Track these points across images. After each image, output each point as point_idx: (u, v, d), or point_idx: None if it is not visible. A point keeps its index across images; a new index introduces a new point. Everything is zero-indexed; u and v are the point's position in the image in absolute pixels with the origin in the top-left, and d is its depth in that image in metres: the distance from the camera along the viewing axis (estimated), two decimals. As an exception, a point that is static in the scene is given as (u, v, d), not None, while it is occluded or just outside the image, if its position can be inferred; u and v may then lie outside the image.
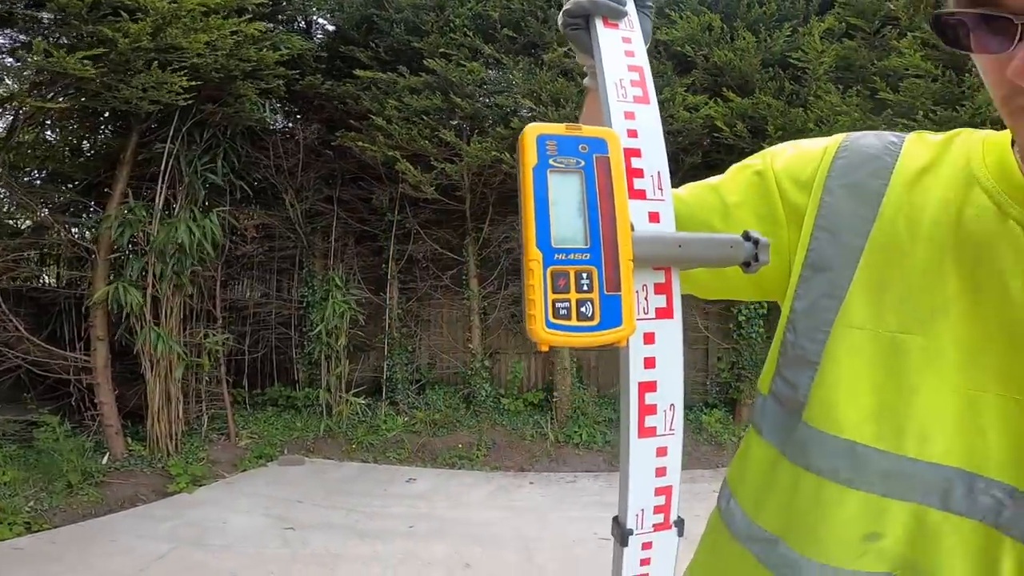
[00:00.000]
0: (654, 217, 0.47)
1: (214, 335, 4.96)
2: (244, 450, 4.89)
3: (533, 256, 0.38)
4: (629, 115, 0.50)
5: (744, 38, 4.00)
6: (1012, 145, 0.54)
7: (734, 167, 0.69)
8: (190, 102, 3.99)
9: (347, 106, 4.83)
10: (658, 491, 0.45)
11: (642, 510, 0.45)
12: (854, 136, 0.62)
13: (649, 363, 0.45)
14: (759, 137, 4.12)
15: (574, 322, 0.38)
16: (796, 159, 0.64)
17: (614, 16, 0.55)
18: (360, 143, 4.73)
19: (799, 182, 0.62)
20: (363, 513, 3.89)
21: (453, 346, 5.96)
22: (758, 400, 0.67)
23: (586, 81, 0.72)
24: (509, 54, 4.37)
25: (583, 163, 0.40)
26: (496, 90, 4.46)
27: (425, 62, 4.41)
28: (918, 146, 0.59)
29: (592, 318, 0.38)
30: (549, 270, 0.38)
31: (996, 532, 0.49)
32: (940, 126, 3.67)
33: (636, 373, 0.44)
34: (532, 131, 0.40)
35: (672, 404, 0.45)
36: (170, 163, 4.46)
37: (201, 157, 4.62)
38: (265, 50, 4.24)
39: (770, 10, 4.27)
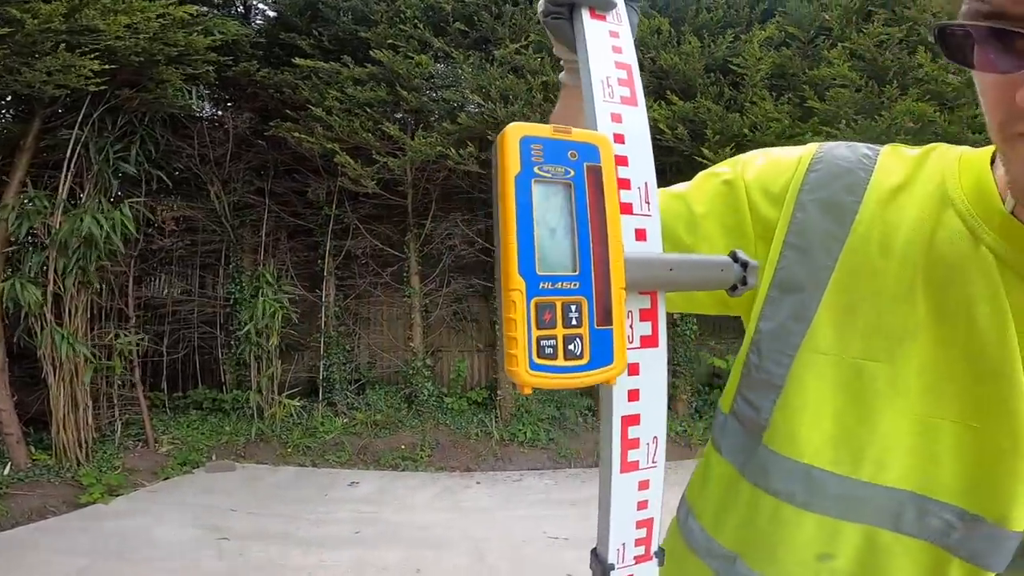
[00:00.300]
0: (640, 235, 0.43)
1: (126, 335, 4.59)
2: (166, 457, 4.56)
3: (515, 285, 0.32)
4: (616, 117, 0.45)
5: (690, 42, 4.14)
6: (991, 165, 0.53)
7: (702, 175, 0.65)
8: (102, 87, 3.67)
9: (284, 95, 4.59)
10: (639, 524, 0.43)
11: (623, 544, 0.42)
12: (827, 147, 0.60)
13: (633, 395, 0.42)
14: (698, 140, 4.27)
15: (561, 361, 0.33)
16: (768, 169, 0.61)
17: (602, 7, 0.50)
18: (296, 134, 4.52)
19: (770, 195, 0.59)
20: (305, 520, 3.72)
21: (394, 344, 5.82)
22: (719, 418, 0.67)
23: (562, 76, 0.67)
24: (460, 48, 4.30)
25: (572, 173, 0.35)
26: (444, 84, 4.38)
27: (372, 53, 4.27)
28: (893, 160, 0.57)
29: (581, 356, 0.34)
30: (533, 301, 0.32)
31: (945, 553, 0.52)
32: (860, 135, 3.94)
33: (619, 407, 0.41)
34: (515, 132, 0.34)
35: (655, 436, 0.43)
36: (77, 150, 4.09)
37: (114, 145, 4.26)
38: (195, 34, 3.96)
39: (716, 16, 4.44)
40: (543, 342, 0.33)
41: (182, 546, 3.31)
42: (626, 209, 0.42)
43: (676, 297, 0.63)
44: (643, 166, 0.45)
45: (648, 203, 0.44)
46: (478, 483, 4.53)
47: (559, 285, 0.33)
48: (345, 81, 4.37)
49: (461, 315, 5.90)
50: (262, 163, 5.31)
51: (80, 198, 4.22)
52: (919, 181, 0.55)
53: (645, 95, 0.49)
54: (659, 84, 4.30)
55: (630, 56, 0.49)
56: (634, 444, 0.42)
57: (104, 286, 4.50)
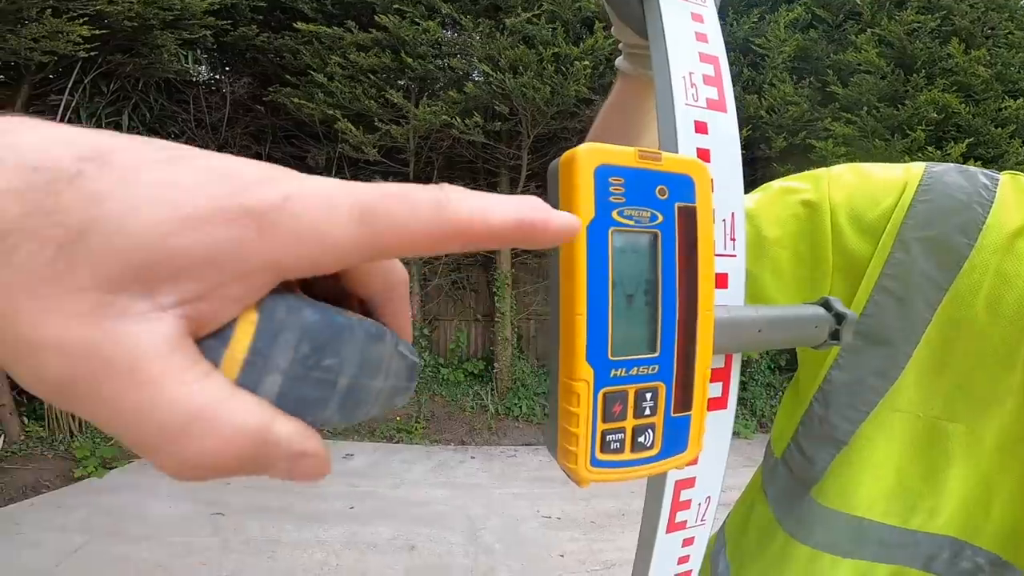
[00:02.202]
0: (722, 280, 0.37)
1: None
2: (161, 425, 4.55)
3: (581, 375, 0.26)
4: (700, 127, 0.36)
5: (711, 20, 3.96)
6: None
7: (776, 187, 0.56)
8: (93, 53, 3.51)
9: (284, 60, 4.41)
10: None
11: None
12: (937, 171, 0.50)
13: (692, 460, 0.38)
14: (712, 120, 4.14)
15: (627, 455, 0.28)
16: (861, 191, 0.52)
17: None
18: (296, 100, 4.34)
19: (863, 223, 0.50)
20: (299, 495, 3.73)
21: (391, 314, 5.77)
22: (769, 460, 0.62)
23: (620, 63, 0.56)
24: (469, 15, 4.10)
25: (661, 218, 0.27)
26: (451, 52, 4.19)
27: (377, 18, 4.07)
28: (1014, 195, 0.49)
29: (652, 447, 0.28)
30: (602, 393, 0.26)
31: None
32: (880, 123, 3.82)
33: (675, 471, 0.37)
34: (589, 158, 0.25)
35: (708, 497, 0.39)
36: (67, 116, 3.93)
37: (105, 109, 4.10)
38: (193, -3, 3.77)
39: (744, -6, 4.25)
40: (608, 436, 0.27)
41: (177, 522, 3.32)
42: None
43: None
44: (732, 192, 0.37)
45: (734, 240, 0.37)
46: (472, 458, 4.55)
47: (634, 371, 0.27)
48: (348, 47, 4.18)
49: (460, 284, 5.83)
50: (260, 128, 5.15)
51: (69, 164, 4.08)
52: None
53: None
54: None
55: (718, 46, 0.40)
56: (685, 506, 0.39)
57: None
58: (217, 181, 0.16)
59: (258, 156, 5.13)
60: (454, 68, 4.23)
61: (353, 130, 4.32)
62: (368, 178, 5.23)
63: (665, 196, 0.27)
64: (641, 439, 0.28)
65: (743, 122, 4.17)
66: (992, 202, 0.48)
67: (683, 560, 0.40)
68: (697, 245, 0.27)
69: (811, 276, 0.52)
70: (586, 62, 3.89)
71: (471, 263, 5.80)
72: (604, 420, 0.27)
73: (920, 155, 3.61)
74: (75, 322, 0.15)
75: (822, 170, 0.55)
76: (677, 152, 0.36)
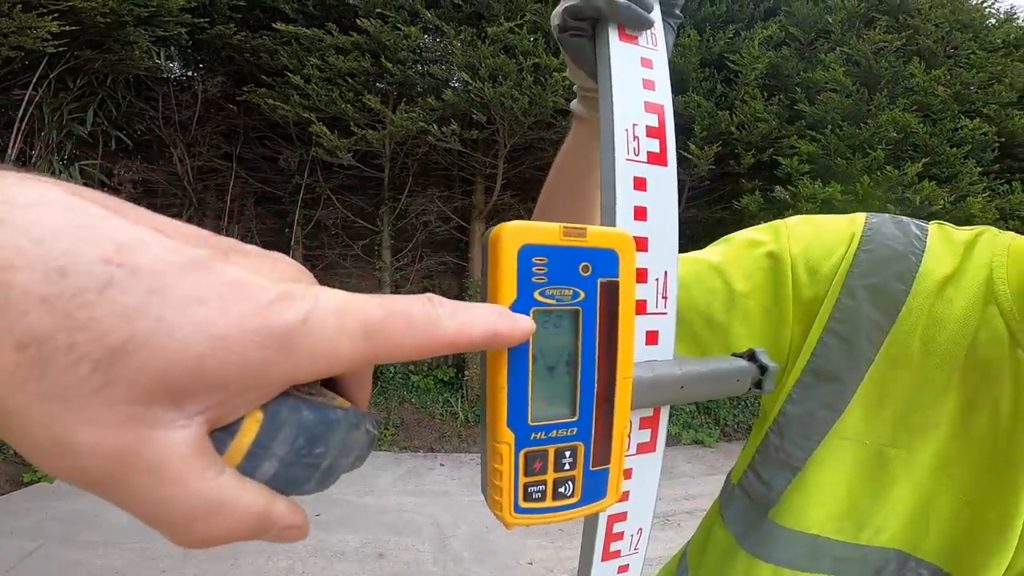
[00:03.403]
0: (651, 338, 0.38)
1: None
2: (118, 430, 4.41)
3: (503, 439, 0.28)
4: (639, 183, 0.37)
5: (689, 35, 4.05)
6: None
7: (739, 239, 0.61)
8: (61, 48, 3.41)
9: (260, 60, 4.34)
10: None
11: None
12: (875, 222, 0.56)
13: (623, 497, 0.40)
14: (684, 136, 4.22)
15: (548, 503, 0.30)
16: (815, 243, 0.57)
17: (635, 26, 0.40)
18: (271, 101, 4.29)
19: (817, 274, 0.55)
20: (264, 501, 3.65)
21: (362, 319, 5.70)
22: (726, 487, 0.68)
23: (574, 106, 0.59)
24: (451, 22, 4.11)
25: (583, 295, 0.28)
26: (432, 59, 4.19)
27: (358, 21, 4.04)
28: (942, 246, 0.55)
29: (572, 496, 0.30)
30: (523, 452, 0.29)
31: None
32: (844, 141, 3.95)
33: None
34: (513, 238, 0.26)
35: (640, 528, 0.42)
36: (30, 111, 3.81)
37: (70, 105, 3.99)
38: (170, -6, 3.69)
39: (720, 11, 4.35)
40: (531, 488, 0.29)
41: (134, 528, 3.20)
42: (640, 308, 0.37)
43: None
44: (665, 251, 0.38)
45: (665, 298, 0.38)
46: (442, 465, 4.52)
47: (553, 433, 0.29)
48: (327, 49, 4.15)
49: (432, 291, 5.77)
50: (232, 128, 5.04)
51: (31, 157, 3.95)
52: (968, 272, 0.54)
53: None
54: (651, 75, 4.21)
55: (664, 94, 0.40)
56: (618, 537, 0.41)
57: (53, 247, 4.27)
58: (240, 299, 0.17)
59: (228, 156, 5.08)
60: (433, 75, 4.23)
61: (328, 134, 4.28)
62: (342, 181, 5.20)
63: (588, 273, 0.28)
64: (561, 489, 0.30)
65: (715, 137, 4.27)
66: (923, 251, 0.54)
67: None
68: (619, 317, 0.29)
69: (776, 326, 0.57)
70: (565, 73, 3.95)
71: (443, 270, 5.78)
72: (526, 475, 0.29)
73: (879, 174, 3.74)
74: (109, 431, 0.16)
75: (779, 222, 0.60)
76: (616, 207, 0.37)
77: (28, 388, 0.15)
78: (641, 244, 0.36)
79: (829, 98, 3.89)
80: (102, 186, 4.61)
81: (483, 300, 0.27)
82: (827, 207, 3.68)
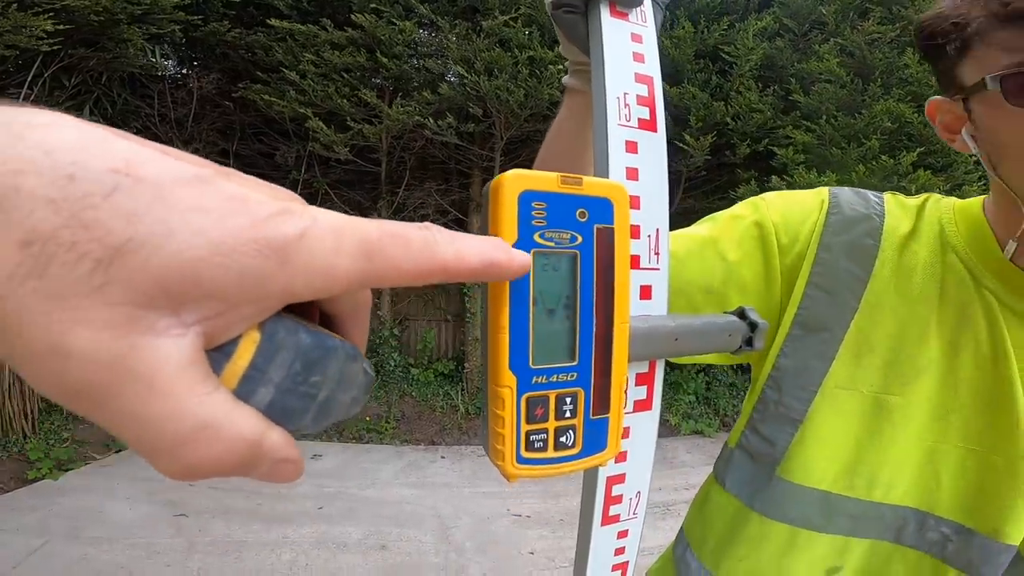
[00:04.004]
0: (645, 292, 0.39)
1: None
2: (119, 427, 4.42)
3: (505, 381, 0.28)
4: (631, 146, 0.39)
5: (684, 27, 4.05)
6: (983, 211, 0.58)
7: (724, 216, 0.64)
8: (56, 47, 3.40)
9: (256, 57, 4.33)
10: (615, 567, 0.44)
11: None
12: (835, 191, 0.62)
13: (620, 457, 0.41)
14: (680, 126, 4.23)
15: (550, 453, 0.30)
16: (791, 210, 0.62)
17: (625, 3, 0.42)
18: (267, 97, 4.28)
19: (797, 237, 0.60)
20: (266, 495, 3.67)
21: (361, 314, 5.71)
22: (723, 453, 0.69)
23: (566, 80, 0.61)
24: (446, 16, 4.10)
25: (580, 239, 0.29)
26: (427, 53, 4.19)
27: (353, 16, 4.04)
28: (897, 208, 0.61)
29: (572, 446, 0.31)
30: (524, 397, 0.29)
31: (942, 564, 0.57)
32: (839, 131, 3.96)
33: (606, 467, 0.40)
34: (513, 184, 0.27)
35: (639, 492, 0.42)
36: (26, 111, 3.80)
37: (66, 103, 3.98)
38: (163, -9, 3.68)
39: (714, 2, 4.35)
40: (532, 436, 0.29)
41: (139, 523, 3.24)
42: (634, 262, 0.38)
43: None
44: (656, 209, 0.39)
45: (658, 254, 0.40)
46: (443, 457, 4.55)
47: (554, 378, 0.29)
48: (322, 45, 4.14)
49: (430, 283, 5.80)
50: (228, 125, 5.03)
51: (23, 157, 3.94)
52: (923, 229, 0.60)
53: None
54: (646, 67, 4.21)
55: (653, 66, 0.42)
56: (617, 500, 0.41)
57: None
58: (239, 211, 0.17)
59: (225, 153, 5.08)
60: (429, 69, 4.23)
61: (324, 129, 4.28)
62: (340, 176, 5.20)
63: (585, 219, 0.29)
64: (563, 439, 0.30)
65: (710, 128, 4.28)
66: (884, 214, 0.60)
67: (619, 552, 0.43)
68: (614, 263, 0.30)
69: (767, 289, 0.60)
70: (560, 66, 3.95)
71: (443, 264, 5.78)
72: (528, 422, 0.29)
73: (874, 163, 3.76)
74: (105, 334, 0.16)
75: (756, 198, 0.65)
76: (609, 169, 0.39)
77: (29, 286, 0.15)
78: (634, 202, 0.38)
79: (824, 89, 3.90)
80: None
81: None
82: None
